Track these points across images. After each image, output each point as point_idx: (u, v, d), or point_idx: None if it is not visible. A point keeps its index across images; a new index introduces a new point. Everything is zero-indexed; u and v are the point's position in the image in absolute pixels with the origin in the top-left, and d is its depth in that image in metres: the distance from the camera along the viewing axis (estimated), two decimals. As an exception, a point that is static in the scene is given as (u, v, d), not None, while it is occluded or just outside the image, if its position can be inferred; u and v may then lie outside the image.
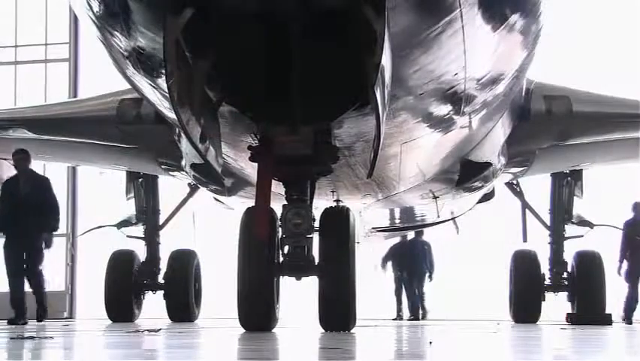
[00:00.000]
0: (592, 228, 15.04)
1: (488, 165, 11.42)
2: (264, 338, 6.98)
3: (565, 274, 14.87)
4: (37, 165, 16.11)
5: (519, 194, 15.68)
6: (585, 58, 20.08)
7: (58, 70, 23.18)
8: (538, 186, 15.64)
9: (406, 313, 18.89)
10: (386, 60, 5.79)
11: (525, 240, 15.96)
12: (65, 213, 22.45)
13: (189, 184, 14.99)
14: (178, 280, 15.08)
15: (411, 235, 18.90)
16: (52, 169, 20.45)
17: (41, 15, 22.80)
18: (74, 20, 21.63)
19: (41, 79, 23.29)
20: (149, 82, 7.08)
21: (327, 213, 8.29)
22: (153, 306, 15.87)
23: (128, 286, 14.85)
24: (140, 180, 15.25)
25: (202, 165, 10.29)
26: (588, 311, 13.97)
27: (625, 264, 14.37)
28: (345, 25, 6.11)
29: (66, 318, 20.51)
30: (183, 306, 14.94)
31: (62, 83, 22.78)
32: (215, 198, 14.23)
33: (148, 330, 8.73)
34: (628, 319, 14.21)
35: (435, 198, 12.52)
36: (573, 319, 13.78)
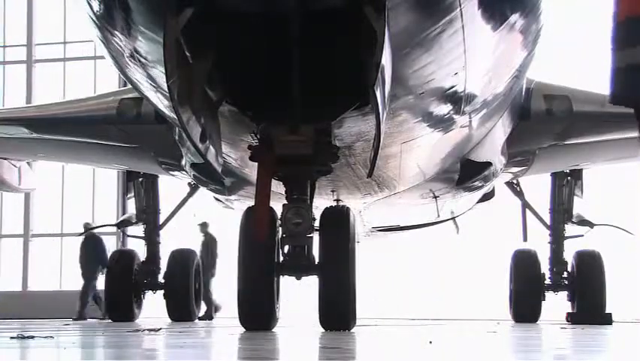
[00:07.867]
0: (592, 228, 15.04)
1: (488, 164, 11.42)
2: (264, 338, 6.97)
3: (565, 274, 14.87)
4: (39, 165, 16.14)
5: (519, 194, 15.68)
6: (585, 58, 20.05)
7: (107, 66, 23.05)
8: (538, 185, 15.63)
9: None
10: (386, 60, 5.78)
11: (525, 239, 15.96)
12: (116, 214, 22.45)
13: (189, 184, 15.00)
14: (178, 280, 15.09)
15: None
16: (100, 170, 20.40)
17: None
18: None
19: (90, 75, 23.19)
20: (149, 81, 7.08)
21: (327, 212, 8.29)
22: (153, 306, 15.86)
23: (128, 286, 14.86)
24: (140, 179, 15.27)
25: (202, 165, 10.29)
26: (588, 311, 13.96)
27: None
28: (345, 25, 6.10)
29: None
30: (183, 306, 14.95)
31: (112, 80, 22.65)
32: (215, 198, 14.23)
33: (148, 330, 8.72)
34: None
35: (435, 197, 12.51)
36: (573, 318, 13.77)
